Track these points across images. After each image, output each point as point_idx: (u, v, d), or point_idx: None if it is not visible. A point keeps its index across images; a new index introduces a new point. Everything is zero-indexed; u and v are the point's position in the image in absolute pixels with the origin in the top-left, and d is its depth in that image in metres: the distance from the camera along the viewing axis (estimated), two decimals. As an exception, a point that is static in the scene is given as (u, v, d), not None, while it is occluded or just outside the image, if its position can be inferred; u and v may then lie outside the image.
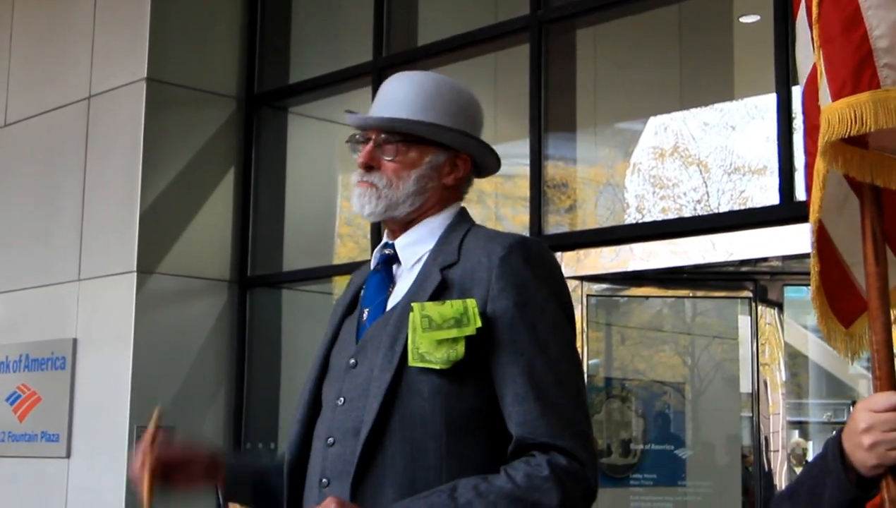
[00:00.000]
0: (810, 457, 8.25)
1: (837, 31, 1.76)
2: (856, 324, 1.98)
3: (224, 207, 5.88)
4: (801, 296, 5.90)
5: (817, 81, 1.81)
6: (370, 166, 2.04)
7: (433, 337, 1.87)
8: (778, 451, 5.57)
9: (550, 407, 1.86)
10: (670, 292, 5.66)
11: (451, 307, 1.89)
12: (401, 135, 2.02)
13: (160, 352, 5.46)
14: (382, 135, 2.03)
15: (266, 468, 2.17)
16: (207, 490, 2.14)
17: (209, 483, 2.12)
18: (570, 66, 5.44)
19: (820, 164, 1.79)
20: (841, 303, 1.97)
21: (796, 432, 9.28)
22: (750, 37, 6.19)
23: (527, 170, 4.91)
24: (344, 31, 6.47)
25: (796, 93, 4.14)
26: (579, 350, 2.35)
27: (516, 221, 6.72)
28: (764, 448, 5.53)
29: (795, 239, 4.04)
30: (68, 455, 5.57)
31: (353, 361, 2.00)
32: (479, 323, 1.87)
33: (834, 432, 1.75)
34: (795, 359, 8.65)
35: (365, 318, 2.04)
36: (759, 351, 5.48)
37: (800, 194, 4.11)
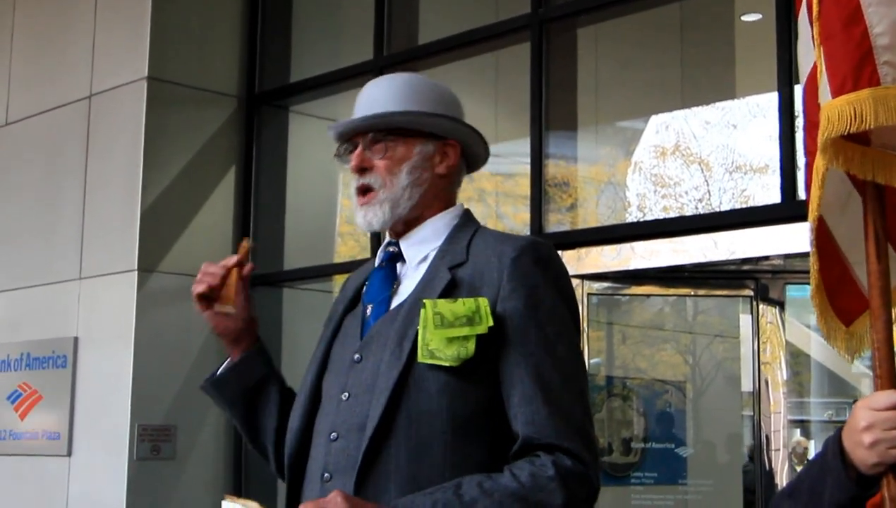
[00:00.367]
0: (811, 456, 8.24)
1: (838, 28, 1.76)
2: (856, 323, 1.98)
3: (225, 206, 5.88)
4: (802, 295, 5.89)
5: (818, 79, 1.81)
6: (363, 168, 2.06)
7: (445, 335, 1.87)
8: (779, 450, 5.57)
9: (557, 408, 1.87)
10: (671, 291, 5.65)
11: (463, 305, 1.89)
12: (385, 132, 2.04)
13: (161, 351, 5.46)
14: (369, 136, 2.05)
15: (269, 380, 2.20)
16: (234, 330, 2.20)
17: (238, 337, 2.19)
18: (572, 64, 5.43)
19: (819, 162, 1.78)
20: (841, 302, 1.97)
21: (798, 431, 9.27)
22: (751, 35, 6.19)
23: (527, 169, 4.90)
24: (345, 29, 6.47)
25: (798, 91, 4.12)
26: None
27: (517, 219, 6.72)
28: (765, 447, 5.52)
29: (797, 237, 4.04)
30: (69, 454, 5.57)
31: (357, 356, 2.00)
32: (490, 322, 1.88)
33: (834, 430, 1.75)
34: (797, 358, 8.64)
35: (369, 314, 2.05)
36: (761, 349, 5.47)
37: (801, 193, 4.10)
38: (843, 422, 1.73)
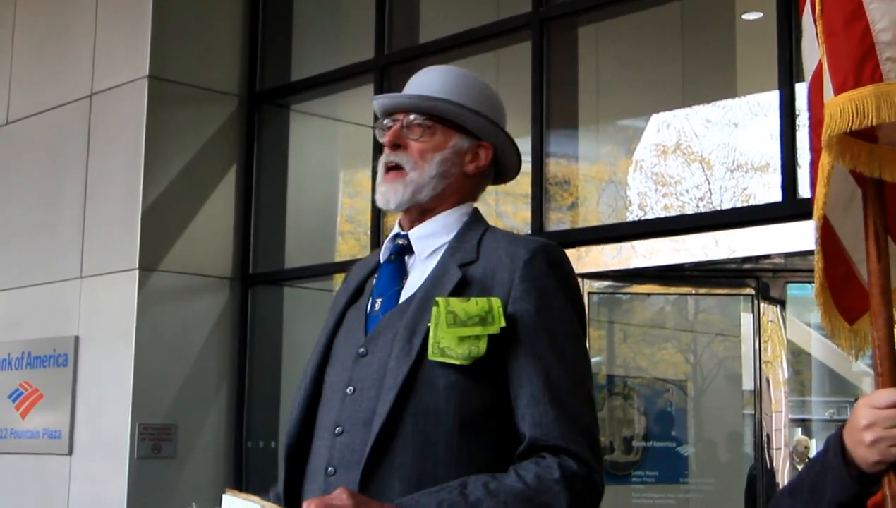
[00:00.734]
0: (813, 455, 8.23)
1: (840, 25, 1.75)
2: (860, 321, 1.97)
3: (226, 205, 5.88)
4: (803, 294, 5.89)
5: (822, 77, 1.81)
6: (396, 145, 2.05)
7: (457, 333, 1.87)
8: (780, 449, 5.57)
9: (565, 411, 1.88)
10: (672, 289, 5.65)
11: (475, 304, 1.89)
12: (427, 115, 2.05)
13: (162, 349, 5.46)
14: (410, 116, 2.05)
15: None
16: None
17: None
18: (572, 63, 5.43)
19: (825, 159, 1.78)
20: (846, 300, 1.96)
21: (799, 429, 9.25)
22: (752, 34, 6.18)
23: (528, 168, 4.90)
24: (345, 28, 6.47)
25: (799, 90, 4.13)
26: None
27: (517, 218, 6.72)
28: (766, 446, 5.52)
29: (798, 236, 4.04)
30: (70, 452, 5.57)
31: (363, 350, 1.99)
32: (503, 323, 1.88)
33: (835, 429, 1.74)
34: (798, 357, 8.63)
35: (377, 308, 2.04)
36: (762, 348, 5.46)
37: (803, 191, 4.10)
38: (845, 421, 1.72)
